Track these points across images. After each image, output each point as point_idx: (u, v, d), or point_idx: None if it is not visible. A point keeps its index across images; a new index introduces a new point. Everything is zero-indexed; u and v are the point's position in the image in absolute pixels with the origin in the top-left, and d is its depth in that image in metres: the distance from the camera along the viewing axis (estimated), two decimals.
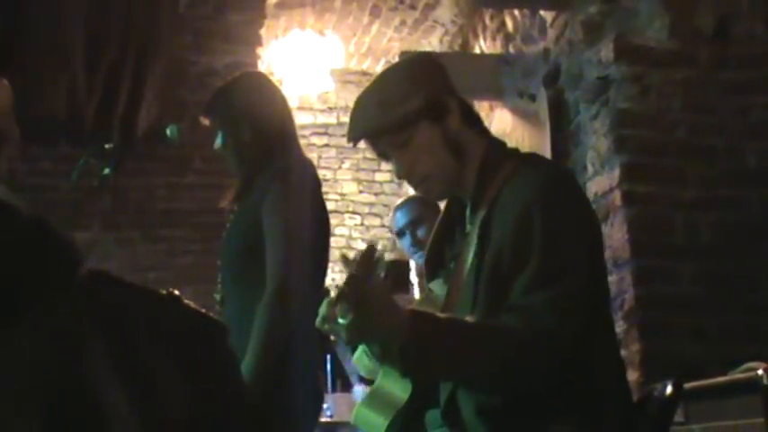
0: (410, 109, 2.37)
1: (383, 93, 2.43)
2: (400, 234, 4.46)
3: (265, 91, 3.48)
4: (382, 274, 2.09)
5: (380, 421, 2.49)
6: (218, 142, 3.42)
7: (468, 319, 2.21)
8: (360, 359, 2.75)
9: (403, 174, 2.45)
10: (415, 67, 2.51)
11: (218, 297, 3.34)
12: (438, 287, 2.55)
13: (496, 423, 2.23)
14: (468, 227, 2.42)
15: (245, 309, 3.13)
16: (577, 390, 2.22)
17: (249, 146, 3.35)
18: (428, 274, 2.62)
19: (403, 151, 2.41)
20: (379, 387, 2.58)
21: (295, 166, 3.31)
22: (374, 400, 2.57)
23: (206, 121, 3.49)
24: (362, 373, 2.71)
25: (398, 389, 2.51)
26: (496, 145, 2.48)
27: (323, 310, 2.09)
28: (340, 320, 2.03)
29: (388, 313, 2.09)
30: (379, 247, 2.15)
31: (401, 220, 4.42)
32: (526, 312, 2.15)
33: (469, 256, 2.32)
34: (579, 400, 2.23)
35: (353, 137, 2.47)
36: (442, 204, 2.67)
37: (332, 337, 2.21)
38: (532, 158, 2.54)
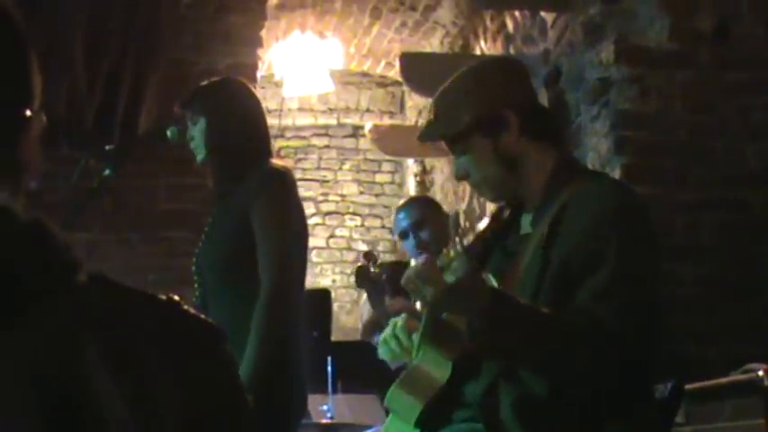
0: (460, 125, 2.46)
1: (442, 104, 2.53)
2: (403, 236, 4.43)
3: (251, 95, 3.51)
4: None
5: (415, 405, 2.45)
6: (189, 133, 3.40)
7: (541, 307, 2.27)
8: (386, 349, 2.72)
9: (458, 177, 2.58)
10: (475, 79, 2.53)
11: (196, 302, 3.32)
12: None
13: (534, 420, 2.25)
14: (529, 228, 2.45)
15: (234, 312, 3.12)
16: (620, 394, 2.26)
17: (236, 144, 3.34)
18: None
19: (460, 157, 2.51)
20: (416, 367, 2.53)
21: (281, 173, 3.32)
22: (409, 381, 2.52)
23: (181, 110, 3.48)
24: (385, 358, 2.67)
25: (437, 371, 2.48)
26: (568, 158, 2.57)
27: (419, 269, 2.19)
28: (449, 277, 2.13)
29: (474, 282, 2.19)
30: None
31: (404, 221, 4.40)
32: (594, 316, 2.18)
33: (527, 255, 2.36)
34: (619, 404, 2.26)
35: (419, 139, 2.68)
36: (447, 204, 2.78)
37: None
38: (604, 174, 2.63)
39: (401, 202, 4.85)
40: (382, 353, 2.66)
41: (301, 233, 3.36)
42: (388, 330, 2.59)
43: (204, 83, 3.59)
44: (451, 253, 2.20)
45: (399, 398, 2.52)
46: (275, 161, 3.41)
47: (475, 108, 2.44)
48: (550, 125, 2.57)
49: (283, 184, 3.28)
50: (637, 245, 2.29)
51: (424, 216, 4.36)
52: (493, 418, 2.30)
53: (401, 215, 4.44)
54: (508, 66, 2.72)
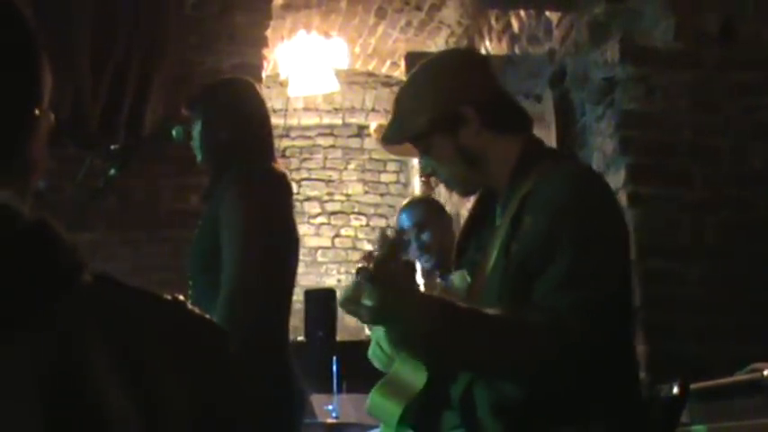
0: (418, 126, 2.43)
1: (401, 104, 2.50)
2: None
3: (251, 97, 3.49)
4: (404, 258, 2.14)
5: (394, 409, 2.49)
6: (192, 133, 3.42)
7: (490, 311, 2.20)
8: (374, 352, 2.75)
9: (426, 173, 2.63)
10: (431, 77, 2.50)
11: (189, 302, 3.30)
12: (458, 279, 2.55)
13: (511, 420, 2.24)
14: (498, 221, 2.42)
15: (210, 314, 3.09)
16: (593, 393, 2.22)
17: (225, 146, 3.35)
18: (454, 264, 2.64)
19: (426, 155, 2.49)
20: (394, 374, 2.57)
21: (257, 174, 3.30)
22: (389, 387, 2.56)
23: (186, 112, 3.49)
24: (377, 366, 2.70)
25: (415, 377, 2.51)
26: (533, 144, 2.50)
27: (348, 291, 2.13)
28: (365, 302, 2.06)
29: (411, 299, 2.13)
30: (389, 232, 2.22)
31: (405, 223, 4.39)
32: (550, 313, 2.15)
33: (496, 250, 2.33)
34: (594, 403, 2.23)
35: (381, 142, 2.64)
36: (451, 204, 2.74)
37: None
38: (567, 158, 2.59)
39: (404, 202, 4.82)
40: (374, 361, 2.71)
41: (277, 234, 3.30)
42: (372, 344, 2.63)
43: (208, 84, 3.61)
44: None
45: (379, 404, 2.56)
46: (265, 164, 3.37)
47: (431, 109, 2.41)
48: (513, 115, 2.51)
49: (253, 184, 3.26)
50: (595, 237, 2.24)
51: (426, 218, 4.35)
52: (471, 419, 2.30)
53: (403, 216, 4.43)
54: (465, 59, 2.66)
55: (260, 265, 3.17)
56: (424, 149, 2.46)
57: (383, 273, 2.07)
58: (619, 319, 2.26)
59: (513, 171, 2.40)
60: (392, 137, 2.53)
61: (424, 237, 4.29)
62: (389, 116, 2.56)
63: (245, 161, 3.31)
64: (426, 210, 4.44)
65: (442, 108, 2.41)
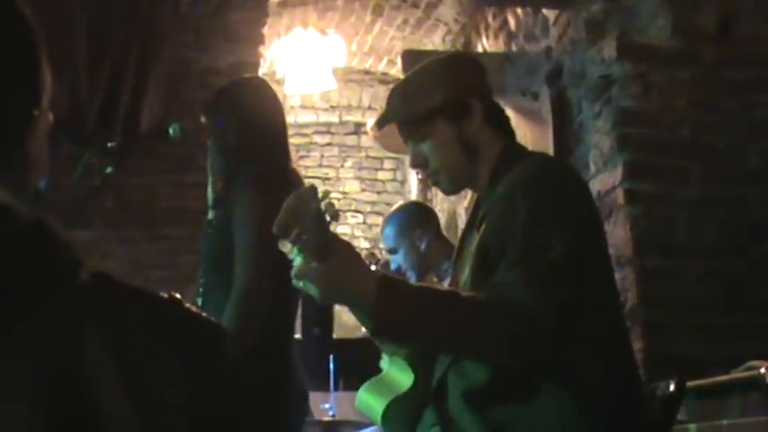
0: (429, 106, 2.46)
1: (408, 87, 2.54)
2: (393, 252, 4.36)
3: (259, 97, 3.48)
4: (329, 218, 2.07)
5: (378, 405, 2.54)
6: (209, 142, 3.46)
7: (441, 288, 2.25)
8: (384, 364, 2.79)
9: (415, 165, 2.56)
10: (446, 67, 2.57)
11: (199, 301, 3.31)
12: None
13: (481, 407, 2.25)
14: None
15: (221, 312, 3.11)
16: (561, 379, 2.23)
17: (233, 148, 3.35)
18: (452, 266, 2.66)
19: (420, 144, 2.50)
20: (384, 375, 2.63)
21: (271, 174, 3.30)
22: (377, 386, 2.62)
23: (204, 120, 3.51)
24: None
25: (403, 377, 2.56)
26: (512, 146, 2.55)
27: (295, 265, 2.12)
28: (295, 261, 2.04)
29: (357, 272, 2.11)
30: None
31: (391, 238, 4.33)
32: (501, 287, 2.18)
33: (471, 251, 2.38)
34: (564, 389, 2.23)
35: (377, 124, 2.61)
36: (448, 202, 2.75)
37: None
38: (537, 156, 2.60)
39: (388, 213, 4.71)
40: None
41: None
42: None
43: (218, 89, 3.62)
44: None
45: (366, 401, 2.61)
46: (280, 165, 3.37)
47: (445, 92, 2.46)
48: (505, 120, 2.58)
49: (268, 185, 3.23)
50: (542, 216, 2.26)
51: (416, 222, 4.30)
52: (443, 407, 2.33)
53: (387, 230, 4.36)
54: (472, 60, 2.75)
55: (273, 266, 3.16)
56: (422, 135, 2.48)
57: (311, 231, 2.04)
58: (572, 290, 2.24)
59: (492, 171, 2.45)
60: (397, 113, 2.54)
61: (421, 245, 4.23)
62: (387, 104, 2.58)
63: (258, 162, 3.30)
64: (411, 219, 4.36)
65: (453, 94, 2.47)
